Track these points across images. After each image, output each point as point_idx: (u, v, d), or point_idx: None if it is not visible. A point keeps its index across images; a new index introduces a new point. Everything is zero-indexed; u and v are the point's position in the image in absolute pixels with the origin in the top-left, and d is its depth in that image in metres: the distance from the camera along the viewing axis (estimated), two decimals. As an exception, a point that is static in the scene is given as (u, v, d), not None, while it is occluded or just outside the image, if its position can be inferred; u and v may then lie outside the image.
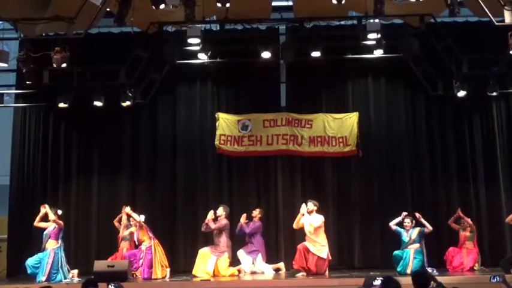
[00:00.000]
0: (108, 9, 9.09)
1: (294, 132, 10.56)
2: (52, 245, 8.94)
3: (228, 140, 10.55)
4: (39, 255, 8.96)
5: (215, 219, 9.51)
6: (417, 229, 9.31)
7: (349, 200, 10.63)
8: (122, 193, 10.44)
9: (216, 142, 10.53)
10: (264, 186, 10.70)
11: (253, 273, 9.51)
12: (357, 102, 10.91)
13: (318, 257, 9.17)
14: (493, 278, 6.66)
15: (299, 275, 9.10)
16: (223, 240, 9.42)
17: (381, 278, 4.94)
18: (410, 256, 9.08)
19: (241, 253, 9.63)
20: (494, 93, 10.00)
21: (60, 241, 9.02)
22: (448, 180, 10.56)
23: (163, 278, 9.19)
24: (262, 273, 9.49)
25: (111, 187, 10.82)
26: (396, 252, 9.21)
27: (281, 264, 9.84)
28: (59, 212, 9.24)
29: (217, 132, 10.55)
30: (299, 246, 9.27)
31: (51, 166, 10.91)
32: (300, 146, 10.56)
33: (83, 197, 10.85)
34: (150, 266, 9.18)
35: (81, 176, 10.91)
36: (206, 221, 9.44)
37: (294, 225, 9.47)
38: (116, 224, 9.81)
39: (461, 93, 9.97)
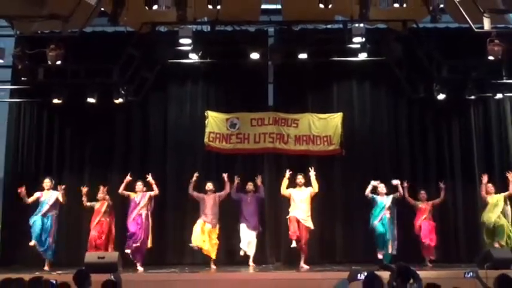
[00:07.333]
0: (102, 9, 9.23)
1: (281, 131, 10.73)
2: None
3: (216, 137, 10.70)
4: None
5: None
6: (391, 196, 9.63)
7: (332, 196, 10.83)
8: (113, 189, 10.60)
9: (205, 139, 10.67)
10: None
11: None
12: (342, 103, 11.18)
13: (305, 226, 9.55)
14: (467, 273, 6.89)
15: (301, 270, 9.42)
16: (217, 209, 9.80)
17: (364, 273, 4.95)
18: (388, 222, 9.48)
19: (243, 229, 9.95)
20: (473, 97, 10.28)
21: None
22: (427, 179, 10.82)
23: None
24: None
25: (103, 182, 10.92)
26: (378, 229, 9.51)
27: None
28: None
29: (207, 130, 10.69)
30: (290, 217, 9.62)
31: (44, 160, 11.08)
32: (286, 145, 10.74)
33: (75, 191, 11.02)
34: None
35: (74, 171, 11.08)
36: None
37: (282, 191, 9.81)
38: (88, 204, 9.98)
39: (441, 96, 10.23)
